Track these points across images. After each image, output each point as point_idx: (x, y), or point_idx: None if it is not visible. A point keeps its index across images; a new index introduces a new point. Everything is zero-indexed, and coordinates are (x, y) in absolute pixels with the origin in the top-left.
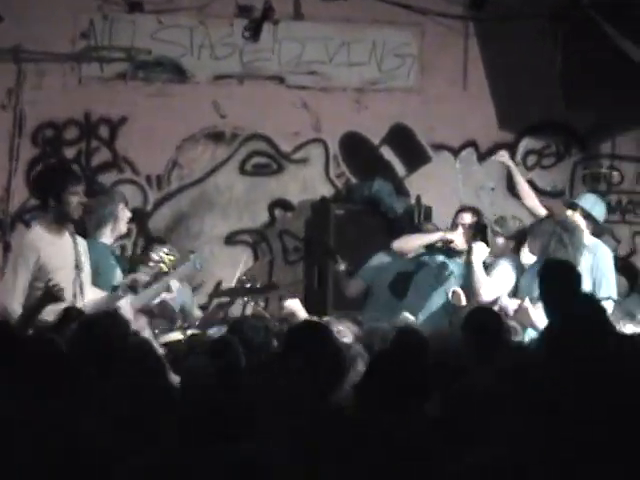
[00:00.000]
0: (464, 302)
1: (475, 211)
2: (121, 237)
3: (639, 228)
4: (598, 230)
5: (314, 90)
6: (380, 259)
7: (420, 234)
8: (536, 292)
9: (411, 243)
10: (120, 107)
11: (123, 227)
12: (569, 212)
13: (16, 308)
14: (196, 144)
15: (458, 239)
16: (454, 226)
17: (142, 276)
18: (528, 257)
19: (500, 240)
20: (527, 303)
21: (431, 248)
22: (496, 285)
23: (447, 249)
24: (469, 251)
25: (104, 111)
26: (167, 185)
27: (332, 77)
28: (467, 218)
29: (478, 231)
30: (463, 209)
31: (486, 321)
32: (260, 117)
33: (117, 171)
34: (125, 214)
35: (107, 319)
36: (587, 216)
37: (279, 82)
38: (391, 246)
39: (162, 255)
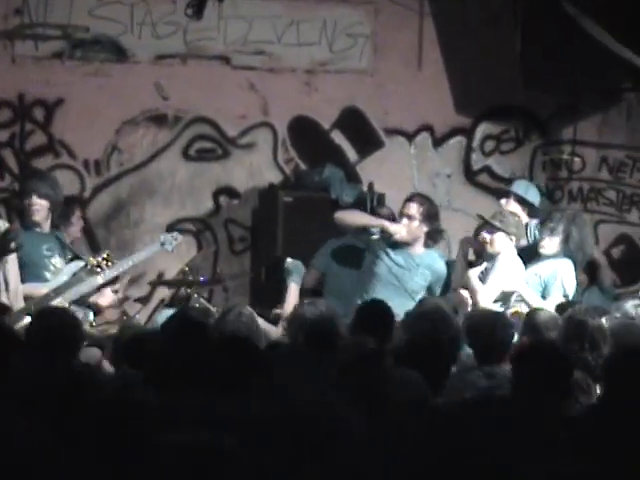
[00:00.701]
0: (468, 304)
1: (423, 200)
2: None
3: (601, 217)
4: (534, 214)
5: (262, 71)
6: (332, 245)
7: (364, 214)
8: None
9: (353, 219)
10: (56, 88)
11: (35, 217)
12: (503, 200)
13: None
14: (137, 127)
15: (401, 231)
16: (400, 216)
17: None
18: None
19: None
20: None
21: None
22: (493, 290)
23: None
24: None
25: (39, 92)
26: (106, 170)
27: (281, 57)
28: (413, 208)
29: (430, 233)
30: (410, 198)
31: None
32: (204, 99)
33: (53, 155)
34: (34, 204)
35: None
36: (521, 201)
37: (224, 62)
38: (334, 216)
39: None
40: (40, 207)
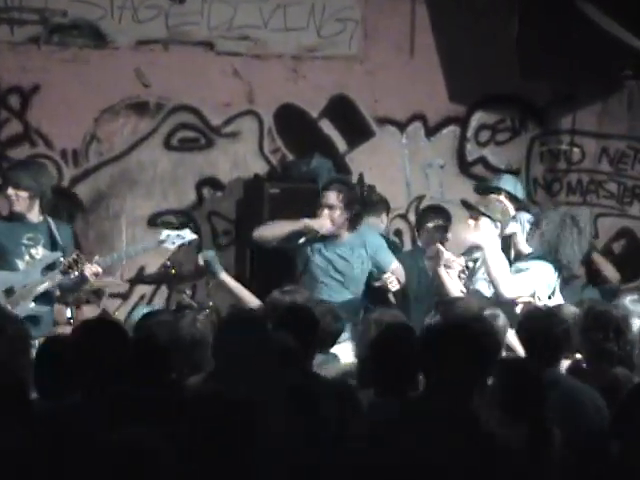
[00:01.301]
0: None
1: (341, 187)
2: None
3: (601, 210)
4: (521, 207)
5: (247, 57)
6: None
7: (283, 222)
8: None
9: (273, 231)
10: (32, 74)
11: (15, 207)
12: (493, 196)
13: None
14: (116, 116)
15: (325, 224)
16: (319, 207)
17: None
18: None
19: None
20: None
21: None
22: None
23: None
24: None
25: (14, 79)
26: (84, 161)
27: (267, 43)
28: (332, 197)
29: (352, 217)
30: (327, 187)
31: None
32: (187, 86)
33: (29, 145)
34: (11, 195)
35: None
36: (512, 198)
37: (208, 48)
38: (252, 236)
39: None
40: (18, 198)
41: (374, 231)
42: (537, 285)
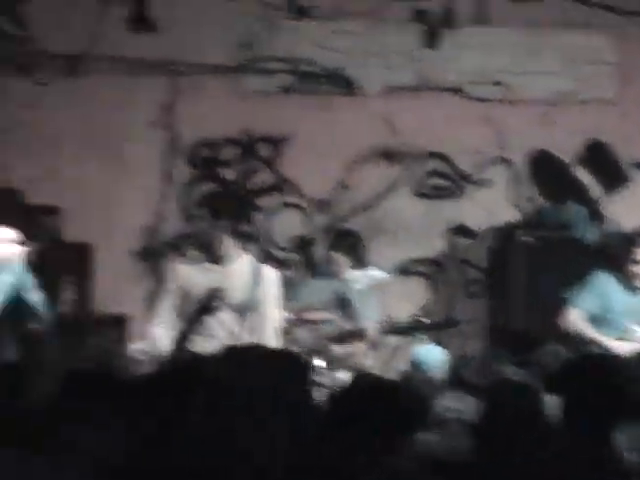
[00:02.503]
0: None
1: None
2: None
3: None
4: None
5: (498, 102)
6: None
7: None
8: None
9: None
10: (283, 123)
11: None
12: None
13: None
14: (366, 163)
15: None
16: (635, 263)
17: None
18: None
19: None
20: None
21: None
22: None
23: None
24: None
25: (265, 128)
26: (334, 209)
27: (518, 88)
28: None
29: None
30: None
31: None
32: (437, 133)
33: (279, 193)
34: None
35: None
36: None
37: (458, 94)
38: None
39: None
40: None
41: None
42: None
